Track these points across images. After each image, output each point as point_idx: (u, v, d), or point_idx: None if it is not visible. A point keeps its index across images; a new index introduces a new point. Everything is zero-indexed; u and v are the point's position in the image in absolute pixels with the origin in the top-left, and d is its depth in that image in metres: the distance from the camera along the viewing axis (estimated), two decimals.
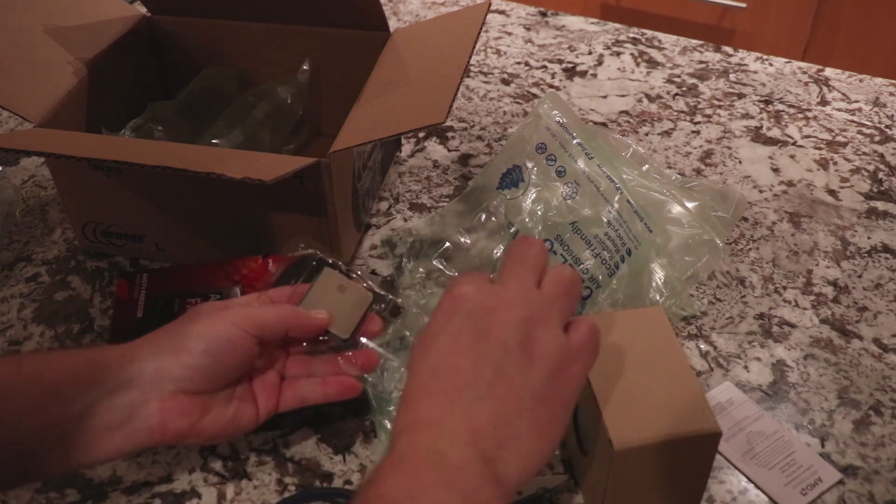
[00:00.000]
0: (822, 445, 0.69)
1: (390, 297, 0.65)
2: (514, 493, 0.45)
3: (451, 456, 0.43)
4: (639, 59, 1.17)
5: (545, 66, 1.16)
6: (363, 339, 0.61)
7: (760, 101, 1.09)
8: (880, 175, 0.97)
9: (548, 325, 0.47)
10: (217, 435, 0.57)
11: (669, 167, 0.97)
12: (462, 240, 0.80)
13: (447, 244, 0.80)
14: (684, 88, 1.11)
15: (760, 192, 0.94)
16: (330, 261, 0.63)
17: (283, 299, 0.61)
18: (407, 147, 1.01)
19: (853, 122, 1.05)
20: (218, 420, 0.56)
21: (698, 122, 1.05)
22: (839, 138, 1.02)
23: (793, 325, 0.79)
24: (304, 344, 0.62)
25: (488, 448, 0.44)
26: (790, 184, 0.95)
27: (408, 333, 0.68)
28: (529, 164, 0.81)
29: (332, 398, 0.61)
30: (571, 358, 0.48)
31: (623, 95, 1.10)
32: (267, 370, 0.61)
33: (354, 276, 0.63)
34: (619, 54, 1.19)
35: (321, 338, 0.61)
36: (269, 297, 0.61)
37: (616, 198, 0.75)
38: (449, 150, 1.01)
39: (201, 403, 0.56)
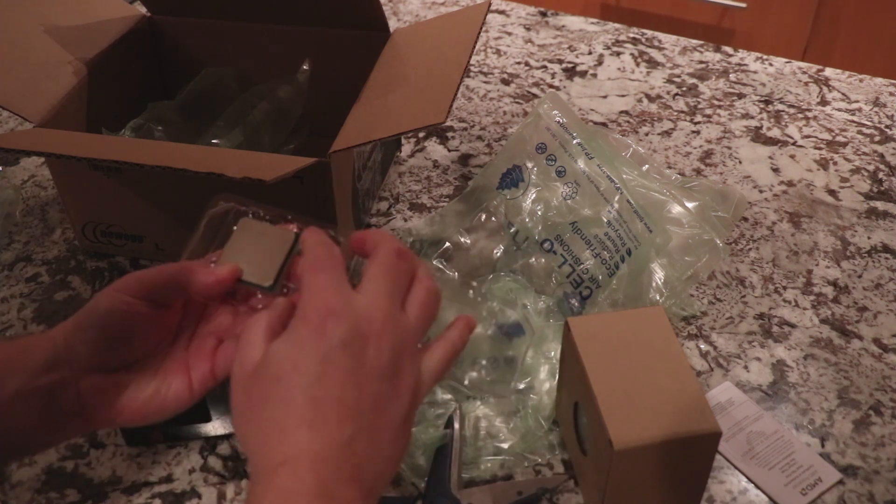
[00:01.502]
0: (822, 445, 0.69)
1: (331, 232, 0.57)
2: None
3: (339, 497, 0.42)
4: (639, 59, 1.17)
5: (545, 66, 1.16)
6: (292, 285, 0.55)
7: (760, 101, 1.09)
8: (880, 175, 0.97)
9: (411, 354, 0.48)
10: (143, 413, 0.53)
11: (669, 167, 0.97)
12: (462, 240, 0.80)
13: (447, 244, 0.80)
14: (684, 88, 1.11)
15: (760, 192, 0.94)
16: (249, 212, 0.57)
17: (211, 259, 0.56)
18: (407, 147, 1.01)
19: (853, 122, 1.05)
20: (137, 397, 0.53)
21: (698, 122, 1.05)
22: (839, 138, 1.02)
23: (793, 325, 0.79)
24: (242, 302, 0.56)
25: (367, 481, 0.44)
26: (790, 184, 0.95)
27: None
28: (529, 164, 0.81)
29: None
30: (422, 388, 0.48)
31: (623, 95, 1.10)
32: (205, 335, 0.56)
33: (268, 218, 0.57)
34: (619, 54, 1.19)
35: (258, 293, 0.55)
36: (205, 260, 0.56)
37: (616, 198, 0.75)
38: (449, 150, 1.01)
39: (116, 380, 0.53)
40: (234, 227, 0.56)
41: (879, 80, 1.12)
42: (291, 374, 0.44)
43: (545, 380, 0.70)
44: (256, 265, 0.54)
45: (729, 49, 1.19)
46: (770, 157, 0.99)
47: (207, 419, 0.68)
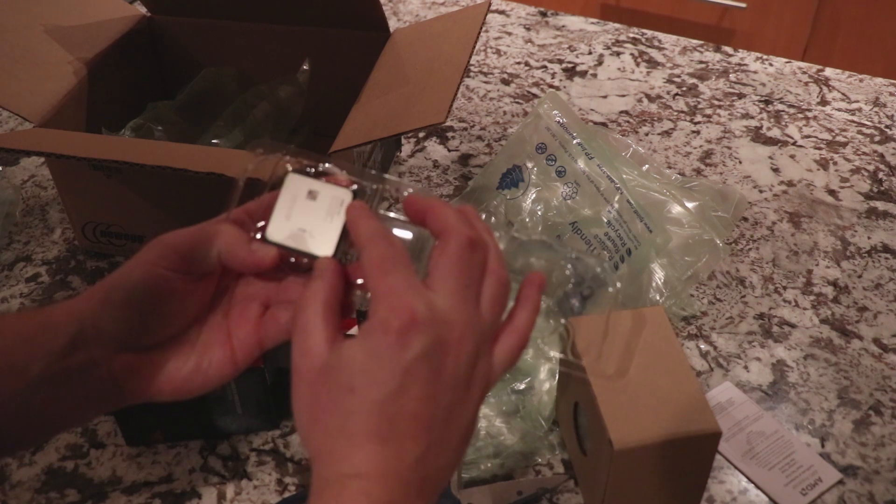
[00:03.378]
0: (823, 445, 0.69)
1: (381, 186, 0.53)
2: None
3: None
4: (639, 59, 1.17)
5: (545, 66, 1.16)
6: (351, 251, 0.49)
7: (760, 101, 1.09)
8: (880, 175, 0.97)
9: (486, 352, 0.46)
10: (185, 389, 0.49)
11: (669, 167, 0.97)
12: None
13: None
14: (684, 88, 1.11)
15: (760, 192, 0.94)
16: (291, 163, 0.50)
17: (258, 213, 0.50)
18: (407, 147, 1.01)
19: (853, 122, 1.05)
20: (176, 374, 0.49)
21: (698, 122, 1.05)
22: (839, 138, 1.02)
23: (793, 325, 0.79)
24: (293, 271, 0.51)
25: (432, 490, 0.43)
26: (790, 184, 0.95)
27: (409, 236, 0.51)
28: (529, 164, 0.81)
29: None
30: (491, 384, 0.46)
31: (623, 95, 1.10)
32: (247, 300, 0.51)
33: (314, 169, 0.51)
34: (619, 54, 1.19)
35: (304, 260, 0.49)
36: (244, 212, 0.50)
37: (616, 198, 0.75)
38: (449, 150, 1.01)
39: (152, 358, 0.49)
40: (282, 184, 0.49)
41: (879, 80, 1.12)
42: (367, 387, 0.42)
43: (545, 380, 0.70)
44: (310, 231, 0.48)
45: (729, 49, 1.19)
46: (770, 157, 0.99)
47: (208, 419, 0.68)
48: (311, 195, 0.49)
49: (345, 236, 0.48)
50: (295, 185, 0.49)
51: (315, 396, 0.43)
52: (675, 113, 1.07)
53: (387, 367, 0.42)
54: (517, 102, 1.09)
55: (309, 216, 0.49)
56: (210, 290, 0.51)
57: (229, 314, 0.51)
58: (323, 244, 0.48)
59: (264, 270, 0.49)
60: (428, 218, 0.47)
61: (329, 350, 0.43)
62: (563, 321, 0.75)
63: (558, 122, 0.81)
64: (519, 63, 1.17)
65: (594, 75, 1.14)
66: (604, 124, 1.05)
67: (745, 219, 0.90)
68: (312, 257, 0.48)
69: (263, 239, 0.49)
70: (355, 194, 0.49)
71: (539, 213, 0.80)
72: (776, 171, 0.97)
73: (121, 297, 0.47)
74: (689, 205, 0.79)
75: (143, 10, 0.96)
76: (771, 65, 1.16)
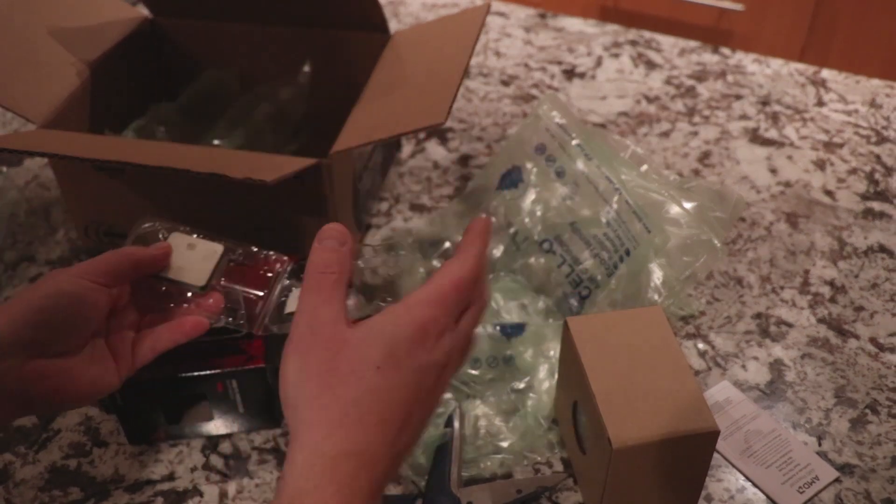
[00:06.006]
0: (819, 444, 0.69)
1: (247, 248, 0.66)
2: None
3: (377, 486, 0.45)
4: (637, 61, 1.18)
5: (544, 68, 1.17)
6: (223, 283, 0.63)
7: (758, 103, 1.09)
8: (877, 176, 0.97)
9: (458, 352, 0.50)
10: (85, 395, 0.57)
11: (668, 168, 0.98)
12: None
13: (447, 244, 0.81)
14: (682, 90, 1.12)
15: (758, 192, 0.95)
16: (161, 235, 0.65)
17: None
18: (407, 148, 1.02)
19: (850, 123, 1.05)
20: (80, 381, 0.56)
21: (696, 123, 1.05)
22: (836, 139, 1.03)
23: (790, 325, 0.79)
24: (170, 305, 0.63)
25: (401, 464, 0.48)
26: (787, 184, 0.96)
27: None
28: (529, 165, 0.82)
29: (182, 340, 0.62)
30: (463, 351, 0.51)
31: (622, 97, 1.11)
32: (121, 329, 0.61)
33: (201, 236, 0.65)
34: (617, 56, 1.19)
35: (188, 293, 0.63)
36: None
37: (615, 198, 0.76)
38: (449, 151, 1.01)
39: (60, 365, 0.55)
40: (168, 239, 0.64)
41: (876, 81, 1.13)
42: (392, 370, 0.45)
43: (544, 379, 0.71)
44: (188, 268, 0.62)
45: (727, 50, 1.20)
46: (767, 158, 1.00)
47: (209, 418, 0.69)
48: (191, 247, 0.64)
49: (216, 272, 0.63)
50: (177, 240, 0.64)
51: (333, 363, 0.45)
52: (674, 114, 1.07)
53: (412, 361, 0.46)
54: (517, 104, 1.10)
55: (188, 260, 0.63)
56: (113, 303, 0.59)
57: (110, 337, 0.60)
58: (198, 276, 0.63)
59: (166, 258, 0.62)
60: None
61: (346, 322, 0.47)
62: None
63: (557, 123, 0.81)
64: (518, 65, 1.18)
65: (593, 77, 1.15)
66: (603, 125, 1.05)
67: (743, 219, 0.91)
68: (187, 286, 0.62)
69: (155, 277, 0.62)
70: (227, 249, 0.64)
71: (538, 213, 0.80)
72: (773, 171, 0.98)
73: (49, 304, 0.55)
74: (688, 205, 0.79)
75: (145, 11, 0.96)
76: (768, 66, 1.16)
